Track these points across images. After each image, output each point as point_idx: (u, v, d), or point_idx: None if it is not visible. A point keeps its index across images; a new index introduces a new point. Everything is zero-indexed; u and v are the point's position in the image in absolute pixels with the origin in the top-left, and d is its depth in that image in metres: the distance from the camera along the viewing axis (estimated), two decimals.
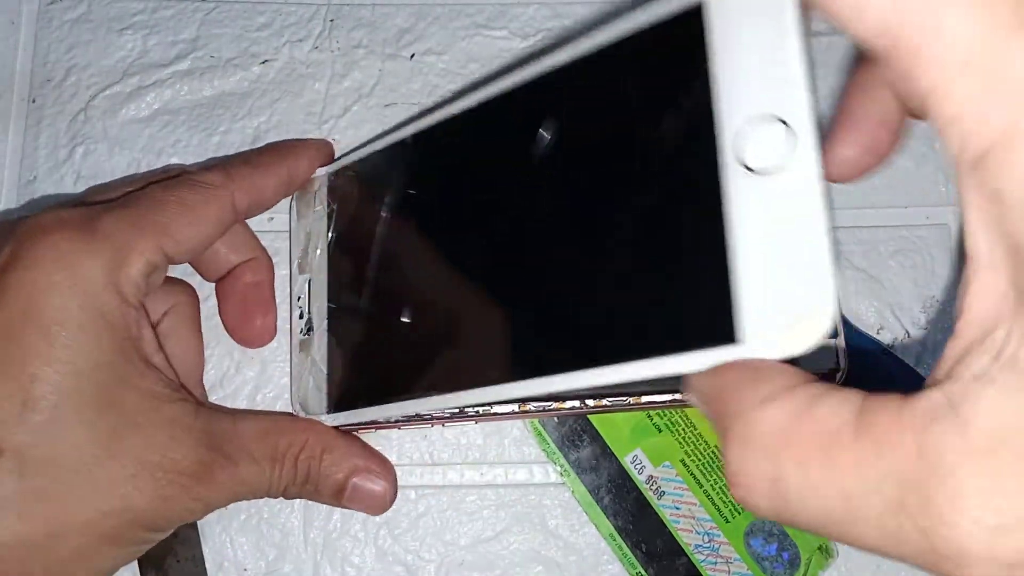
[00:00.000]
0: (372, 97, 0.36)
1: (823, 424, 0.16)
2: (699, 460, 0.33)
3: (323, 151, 0.34)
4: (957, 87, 0.15)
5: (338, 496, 0.31)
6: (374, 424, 0.31)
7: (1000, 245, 0.15)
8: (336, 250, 0.32)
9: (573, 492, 0.33)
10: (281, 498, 0.30)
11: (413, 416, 0.31)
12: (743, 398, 0.17)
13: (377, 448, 0.33)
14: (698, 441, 0.33)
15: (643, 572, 0.32)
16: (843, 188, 0.35)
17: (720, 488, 0.33)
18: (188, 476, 0.27)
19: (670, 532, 0.32)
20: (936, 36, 0.15)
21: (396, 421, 0.31)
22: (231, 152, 0.36)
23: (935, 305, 0.35)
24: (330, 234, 0.32)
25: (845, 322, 0.32)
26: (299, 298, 0.32)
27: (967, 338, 0.15)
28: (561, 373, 0.22)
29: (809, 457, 0.16)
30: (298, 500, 0.33)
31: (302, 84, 0.36)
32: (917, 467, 0.15)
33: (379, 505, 0.31)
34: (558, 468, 0.33)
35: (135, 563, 0.32)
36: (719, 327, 0.18)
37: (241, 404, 0.34)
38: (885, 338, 0.35)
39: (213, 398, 0.34)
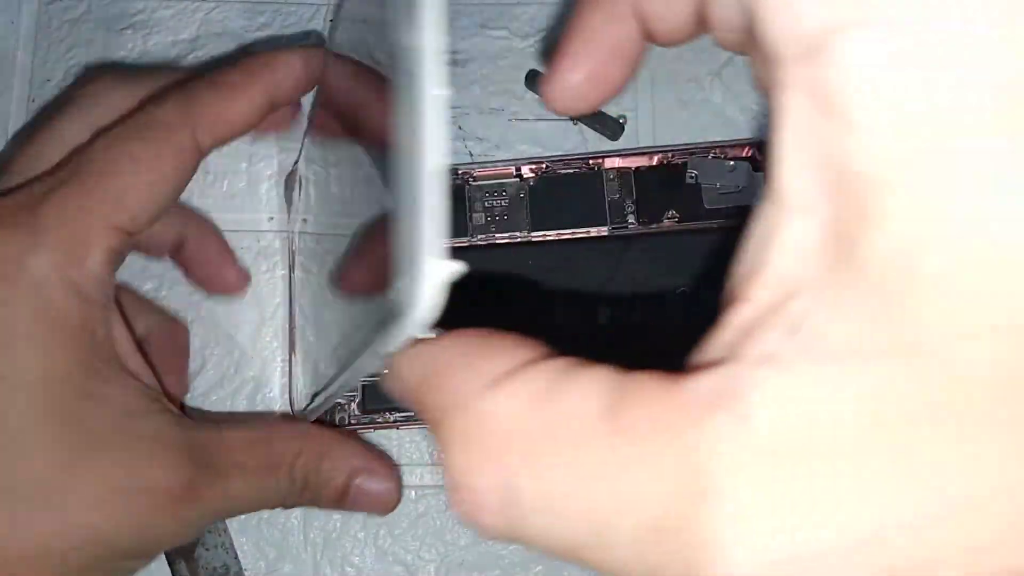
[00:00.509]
0: None
1: (569, 413, 0.12)
2: None
3: (309, 63, 0.27)
4: None
5: (340, 501, 0.28)
6: (373, 424, 0.31)
7: (820, 177, 0.11)
8: (301, 243, 0.32)
9: None
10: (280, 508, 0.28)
11: (412, 416, 0.31)
12: (463, 383, 0.13)
13: (377, 448, 0.33)
14: None
15: None
16: None
17: None
18: (172, 498, 0.24)
19: None
20: None
21: (395, 421, 0.31)
22: None
23: None
24: (301, 226, 0.32)
25: None
26: (292, 297, 0.32)
27: (761, 305, 0.12)
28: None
29: (549, 459, 0.12)
30: None
31: None
32: (680, 475, 0.11)
33: (384, 505, 0.29)
34: None
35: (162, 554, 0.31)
36: (383, 298, 0.14)
37: (241, 404, 0.34)
38: None
39: (213, 398, 0.34)
